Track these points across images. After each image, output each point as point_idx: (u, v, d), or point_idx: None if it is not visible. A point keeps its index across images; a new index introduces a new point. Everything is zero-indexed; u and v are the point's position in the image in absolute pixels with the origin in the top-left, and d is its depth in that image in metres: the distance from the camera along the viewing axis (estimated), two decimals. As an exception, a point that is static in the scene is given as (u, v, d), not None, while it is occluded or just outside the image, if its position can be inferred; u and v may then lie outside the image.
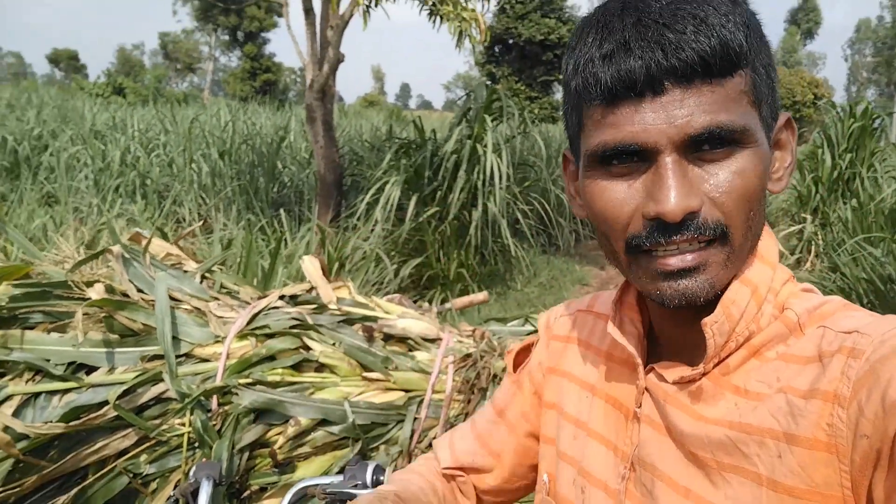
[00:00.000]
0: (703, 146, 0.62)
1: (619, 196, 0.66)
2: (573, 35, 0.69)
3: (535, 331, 2.01)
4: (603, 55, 0.63)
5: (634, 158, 0.64)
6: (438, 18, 5.21)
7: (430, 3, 5.15)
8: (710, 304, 0.67)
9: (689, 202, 0.62)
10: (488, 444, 0.95)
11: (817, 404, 0.59)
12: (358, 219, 6.12)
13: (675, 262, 0.65)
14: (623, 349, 0.78)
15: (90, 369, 1.64)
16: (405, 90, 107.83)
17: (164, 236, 2.15)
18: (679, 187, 0.62)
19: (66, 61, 53.59)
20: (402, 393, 1.65)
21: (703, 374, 0.68)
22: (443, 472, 0.95)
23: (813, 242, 7.11)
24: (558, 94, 26.37)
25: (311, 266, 1.85)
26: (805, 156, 9.26)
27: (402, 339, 1.76)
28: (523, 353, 0.97)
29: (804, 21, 44.85)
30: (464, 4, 5.08)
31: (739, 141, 0.63)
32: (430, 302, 3.99)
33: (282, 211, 6.07)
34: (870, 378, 0.56)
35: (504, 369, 1.65)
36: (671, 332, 0.75)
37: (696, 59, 0.60)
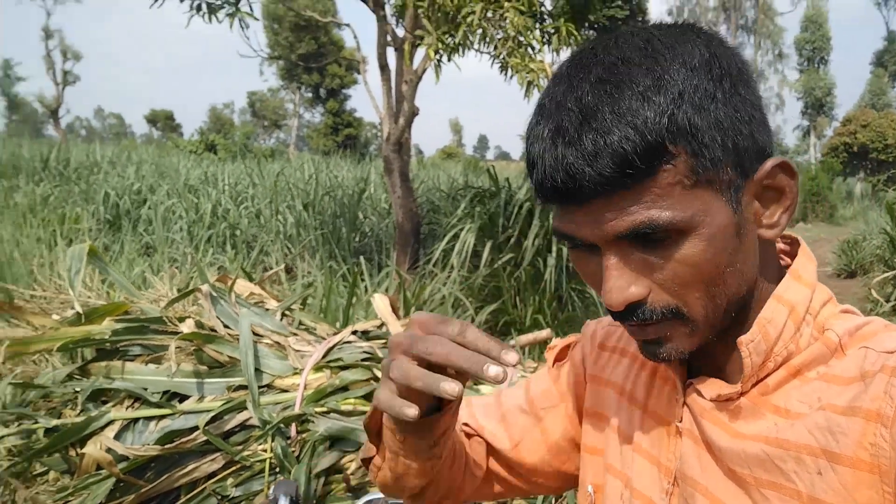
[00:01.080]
0: (640, 238, 0.62)
1: (590, 271, 0.68)
2: (538, 99, 0.70)
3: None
4: (531, 161, 0.65)
5: (588, 248, 0.66)
6: (508, 71, 5.36)
7: (500, 56, 5.31)
8: (744, 324, 0.68)
9: (628, 294, 0.63)
10: (511, 429, 0.93)
11: (859, 423, 0.59)
12: (434, 265, 6.27)
13: (639, 335, 0.68)
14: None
15: (182, 397, 1.79)
16: (483, 142, 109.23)
17: (250, 278, 2.32)
18: (618, 279, 0.63)
19: (163, 121, 57.07)
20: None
21: (742, 394, 0.68)
22: (463, 427, 0.93)
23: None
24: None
25: (380, 303, 1.97)
26: (896, 201, 8.88)
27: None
28: (564, 351, 0.97)
29: (891, 63, 43.28)
30: (532, 56, 5.22)
31: (679, 230, 0.61)
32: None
33: (362, 258, 6.29)
34: None
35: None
36: (709, 349, 0.72)
37: (604, 176, 0.59)
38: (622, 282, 0.63)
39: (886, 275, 7.68)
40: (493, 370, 0.58)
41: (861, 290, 8.42)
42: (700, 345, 0.68)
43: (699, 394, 0.72)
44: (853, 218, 18.79)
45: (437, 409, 0.72)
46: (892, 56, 43.05)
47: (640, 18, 23.74)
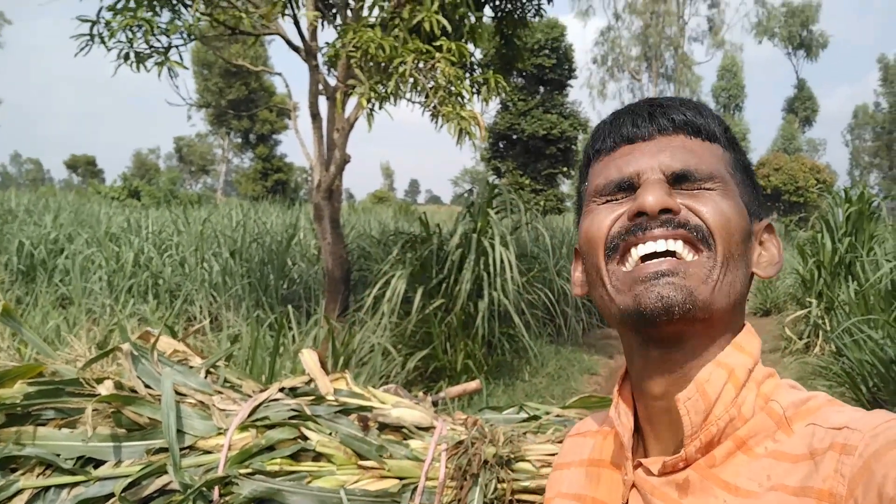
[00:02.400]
0: (684, 182, 0.70)
1: (605, 214, 0.73)
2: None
3: (530, 417, 2.07)
4: (611, 121, 0.77)
5: (624, 193, 0.72)
6: (439, 119, 5.45)
7: (431, 105, 5.41)
8: (683, 341, 0.68)
9: (667, 201, 0.68)
10: None
11: (811, 503, 0.59)
12: (365, 313, 6.22)
13: (653, 265, 0.67)
14: (608, 452, 0.81)
15: (98, 463, 1.71)
16: (414, 186, 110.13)
17: (173, 334, 2.25)
18: (659, 190, 0.69)
19: (84, 166, 55.29)
20: (397, 481, 1.70)
21: (687, 463, 0.68)
22: None
23: (820, 327, 7.12)
24: (563, 187, 26.90)
25: (309, 359, 1.94)
26: (807, 241, 9.38)
27: (396, 428, 1.82)
28: None
29: (801, 109, 46.07)
30: (463, 104, 5.34)
31: (720, 186, 0.71)
32: (425, 392, 4.03)
33: (290, 307, 6.19)
34: (865, 475, 0.55)
35: (494, 454, 1.71)
36: (653, 421, 0.74)
37: (681, 120, 0.73)
38: (662, 191, 0.69)
39: (798, 313, 8.04)
40: None
41: (776, 328, 8.78)
42: (704, 302, 0.66)
43: (647, 472, 0.72)
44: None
45: None
46: (802, 103, 45.83)
47: (566, 67, 24.55)
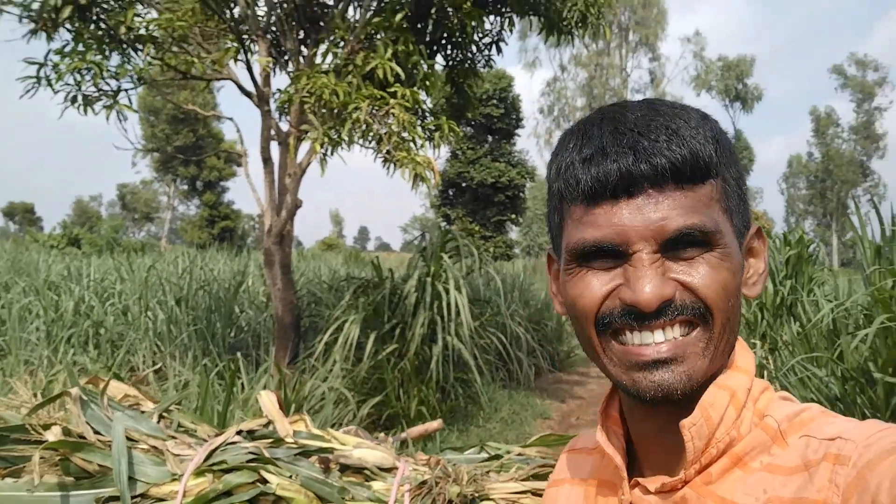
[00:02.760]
0: (677, 246, 0.65)
1: (596, 282, 0.67)
2: (557, 143, 0.74)
3: (492, 457, 2.05)
4: (583, 159, 0.66)
5: (612, 256, 0.66)
6: (392, 165, 5.49)
7: (385, 151, 5.45)
8: (685, 407, 0.67)
9: (663, 291, 0.63)
10: None
11: None
12: (316, 359, 6.12)
13: (650, 352, 0.65)
14: (604, 471, 0.81)
15: (43, 514, 1.62)
16: (364, 233, 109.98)
17: (120, 380, 2.17)
18: (654, 277, 0.63)
19: (22, 214, 53.67)
20: (360, 524, 1.66)
21: (685, 483, 0.68)
22: None
23: (765, 367, 7.29)
24: (512, 234, 27.24)
25: (267, 400, 1.89)
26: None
27: (358, 470, 1.78)
28: None
29: (739, 159, 47.90)
30: (416, 150, 5.39)
31: (712, 243, 0.65)
32: (386, 434, 3.96)
33: (238, 355, 6.05)
34: (858, 485, 0.56)
35: (458, 493, 1.68)
36: (649, 439, 0.74)
37: (667, 165, 0.63)
38: (658, 280, 0.64)
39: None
40: None
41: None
42: (702, 379, 0.66)
43: (645, 490, 0.71)
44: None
45: None
46: (739, 153, 47.63)
47: (513, 117, 25.18)
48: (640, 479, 0.72)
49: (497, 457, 2.01)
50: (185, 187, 40.36)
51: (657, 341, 0.65)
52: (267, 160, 6.30)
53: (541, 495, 1.79)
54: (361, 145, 5.54)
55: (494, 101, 23.99)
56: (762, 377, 7.18)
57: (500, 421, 6.73)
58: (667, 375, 0.64)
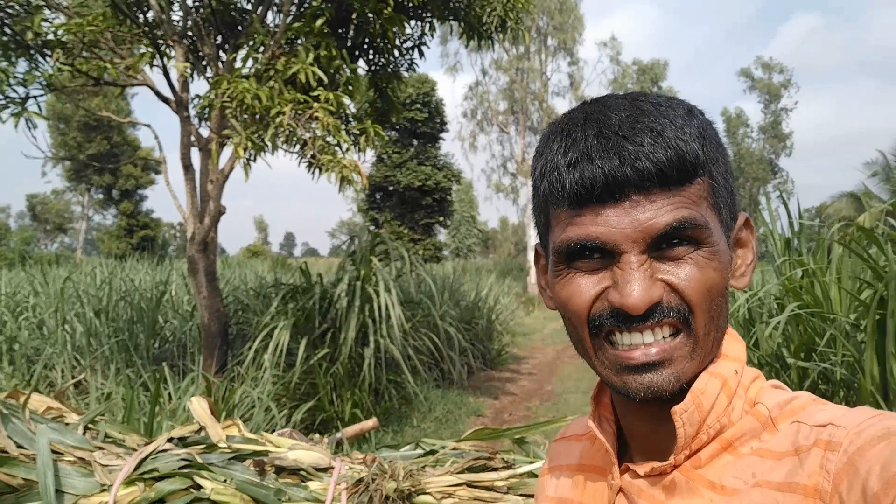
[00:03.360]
0: (664, 244, 0.65)
1: (585, 284, 0.68)
2: (540, 140, 0.73)
3: (427, 452, 2.09)
4: (567, 162, 0.66)
5: (599, 255, 0.67)
6: (318, 170, 5.46)
7: (309, 155, 5.42)
8: (675, 397, 0.67)
9: (651, 294, 0.64)
10: None
11: (797, 499, 0.59)
12: (246, 367, 6.02)
13: (639, 355, 0.66)
14: (594, 456, 0.82)
15: (-37, 534, 1.57)
16: (290, 239, 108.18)
17: (41, 394, 2.10)
18: (642, 280, 0.64)
19: (-78, 228, 50.45)
20: (297, 524, 1.67)
21: (675, 467, 0.69)
22: None
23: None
24: (440, 236, 27.37)
25: (198, 406, 1.88)
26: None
27: (294, 471, 1.79)
28: None
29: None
30: (342, 154, 5.38)
31: (700, 239, 0.65)
32: (321, 435, 3.95)
33: (164, 365, 5.89)
34: (849, 470, 0.56)
35: (395, 489, 1.71)
36: (640, 428, 0.75)
37: (653, 169, 0.63)
38: (646, 283, 0.64)
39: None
40: None
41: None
42: (692, 377, 0.68)
43: (634, 475, 0.73)
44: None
45: None
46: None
47: (437, 120, 25.28)
48: (629, 464, 0.74)
49: (432, 452, 2.05)
50: (101, 196, 38.80)
51: (646, 342, 0.66)
52: (188, 167, 6.16)
53: (476, 487, 1.85)
54: (286, 150, 5.49)
55: (418, 106, 24.07)
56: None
57: (434, 420, 6.78)
58: (655, 378, 0.66)
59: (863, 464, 0.56)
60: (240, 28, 6.34)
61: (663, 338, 0.66)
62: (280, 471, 1.78)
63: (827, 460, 0.59)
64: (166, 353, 7.43)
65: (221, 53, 6.45)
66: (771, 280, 5.98)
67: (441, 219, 25.28)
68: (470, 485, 1.80)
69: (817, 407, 0.66)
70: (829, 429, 0.61)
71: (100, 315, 7.53)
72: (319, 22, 5.50)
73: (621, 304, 0.64)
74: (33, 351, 7.28)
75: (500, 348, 11.36)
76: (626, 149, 0.64)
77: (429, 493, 1.77)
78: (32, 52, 5.58)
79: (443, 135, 25.42)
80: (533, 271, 26.74)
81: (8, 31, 5.41)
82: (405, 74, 7.89)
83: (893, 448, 0.55)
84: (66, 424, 1.85)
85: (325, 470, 1.82)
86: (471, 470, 1.86)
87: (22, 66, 5.50)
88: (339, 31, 6.49)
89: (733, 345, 0.72)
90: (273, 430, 5.32)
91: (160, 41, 6.08)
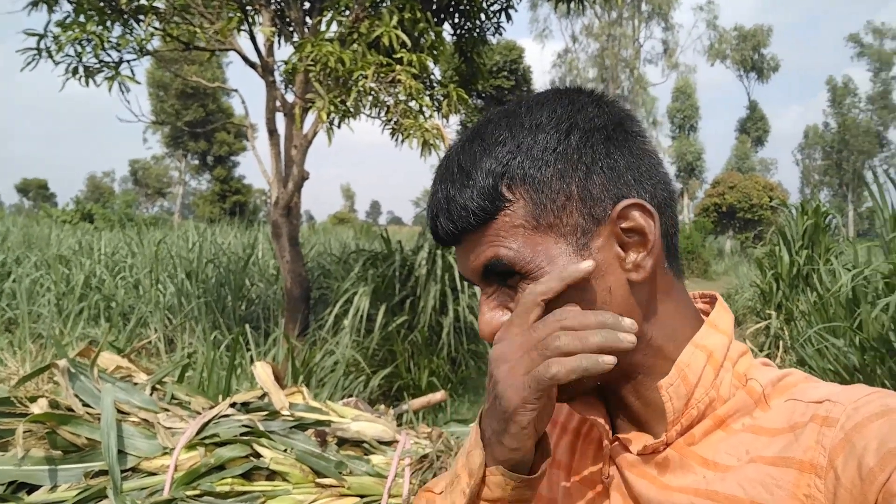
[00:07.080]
0: (498, 278, 0.69)
1: (483, 311, 0.73)
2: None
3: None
4: (429, 214, 0.73)
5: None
6: (400, 135, 5.39)
7: (392, 120, 5.35)
8: (663, 372, 0.68)
9: (492, 324, 0.70)
10: None
11: (792, 473, 0.59)
12: (326, 331, 6.08)
13: None
14: (585, 422, 0.81)
15: (32, 488, 1.57)
16: (375, 207, 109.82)
17: (119, 350, 2.12)
18: (486, 312, 0.71)
19: (36, 190, 53.97)
20: (357, 499, 1.60)
21: (667, 445, 0.68)
22: None
23: (780, 338, 7.17)
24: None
25: (262, 372, 1.83)
26: (764, 255, 9.52)
27: (356, 443, 1.72)
28: None
29: (753, 130, 47.24)
30: (425, 119, 5.29)
31: (517, 270, 0.67)
32: (388, 406, 3.93)
33: (247, 326, 6.02)
34: (845, 446, 0.56)
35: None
36: (628, 403, 0.74)
37: (459, 225, 0.69)
38: (489, 314, 0.70)
39: (759, 325, 8.11)
40: (627, 338, 0.61)
41: (736, 339, 8.84)
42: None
43: (626, 448, 0.72)
44: (725, 273, 20.03)
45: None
46: (754, 123, 47.04)
47: (524, 89, 24.86)
48: (620, 436, 0.73)
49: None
50: (196, 162, 40.37)
51: None
52: (272, 131, 6.21)
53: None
54: (368, 115, 5.44)
55: (505, 73, 23.71)
56: (778, 349, 7.11)
57: (511, 392, 6.69)
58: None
59: (859, 440, 0.56)
60: (326, -9, 6.29)
61: None
62: (342, 442, 1.71)
63: (823, 436, 0.58)
64: (251, 315, 7.61)
65: (307, 18, 6.43)
66: (877, 259, 5.56)
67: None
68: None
69: (810, 384, 0.66)
70: (826, 405, 0.60)
71: (190, 277, 7.78)
72: (404, -17, 5.38)
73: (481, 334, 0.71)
74: (129, 309, 7.60)
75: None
76: (446, 207, 0.70)
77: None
78: (126, 16, 5.70)
79: (530, 103, 24.97)
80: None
81: (103, -4, 5.53)
82: (492, 39, 7.69)
83: (891, 424, 0.55)
84: (134, 384, 1.83)
85: (389, 443, 1.74)
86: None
87: (116, 30, 5.62)
88: (424, -8, 6.35)
89: (722, 316, 0.72)
90: (351, 395, 5.37)
91: (248, 6, 6.11)
